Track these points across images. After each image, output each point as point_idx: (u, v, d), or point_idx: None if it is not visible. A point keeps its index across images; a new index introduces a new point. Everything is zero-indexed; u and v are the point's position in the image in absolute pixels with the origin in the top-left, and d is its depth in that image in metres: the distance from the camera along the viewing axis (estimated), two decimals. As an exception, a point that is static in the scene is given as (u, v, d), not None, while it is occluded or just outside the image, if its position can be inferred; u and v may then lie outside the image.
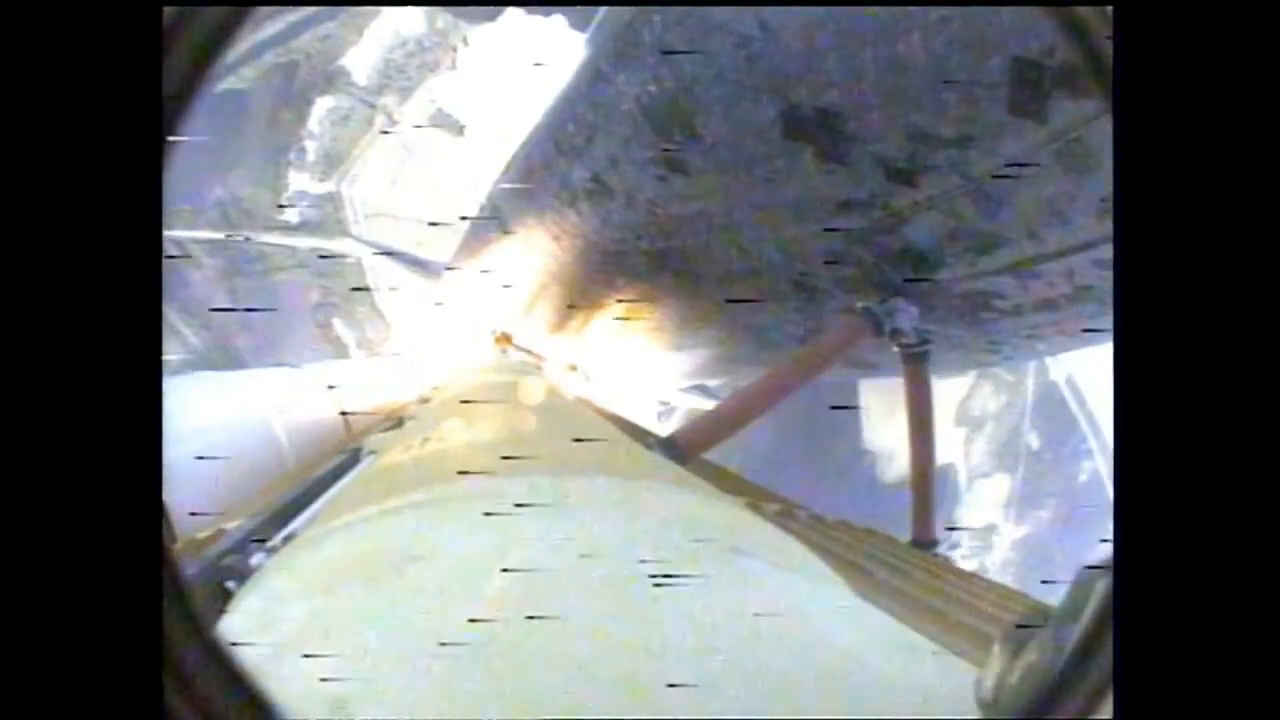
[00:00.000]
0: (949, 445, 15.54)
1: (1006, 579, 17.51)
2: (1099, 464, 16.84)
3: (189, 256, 12.24)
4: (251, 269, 12.80)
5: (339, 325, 12.97)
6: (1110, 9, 0.66)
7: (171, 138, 0.60)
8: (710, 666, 0.82)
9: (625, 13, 4.39)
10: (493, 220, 7.91)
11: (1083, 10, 0.67)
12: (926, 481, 5.23)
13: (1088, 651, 0.62)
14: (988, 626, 1.87)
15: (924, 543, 4.98)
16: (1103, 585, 0.64)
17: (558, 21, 11.95)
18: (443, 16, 12.24)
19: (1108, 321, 4.14)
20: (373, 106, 12.32)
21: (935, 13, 2.98)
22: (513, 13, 12.13)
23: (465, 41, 12.31)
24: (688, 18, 3.83)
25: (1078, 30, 0.68)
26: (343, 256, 12.26)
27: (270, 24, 11.81)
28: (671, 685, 0.77)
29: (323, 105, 12.25)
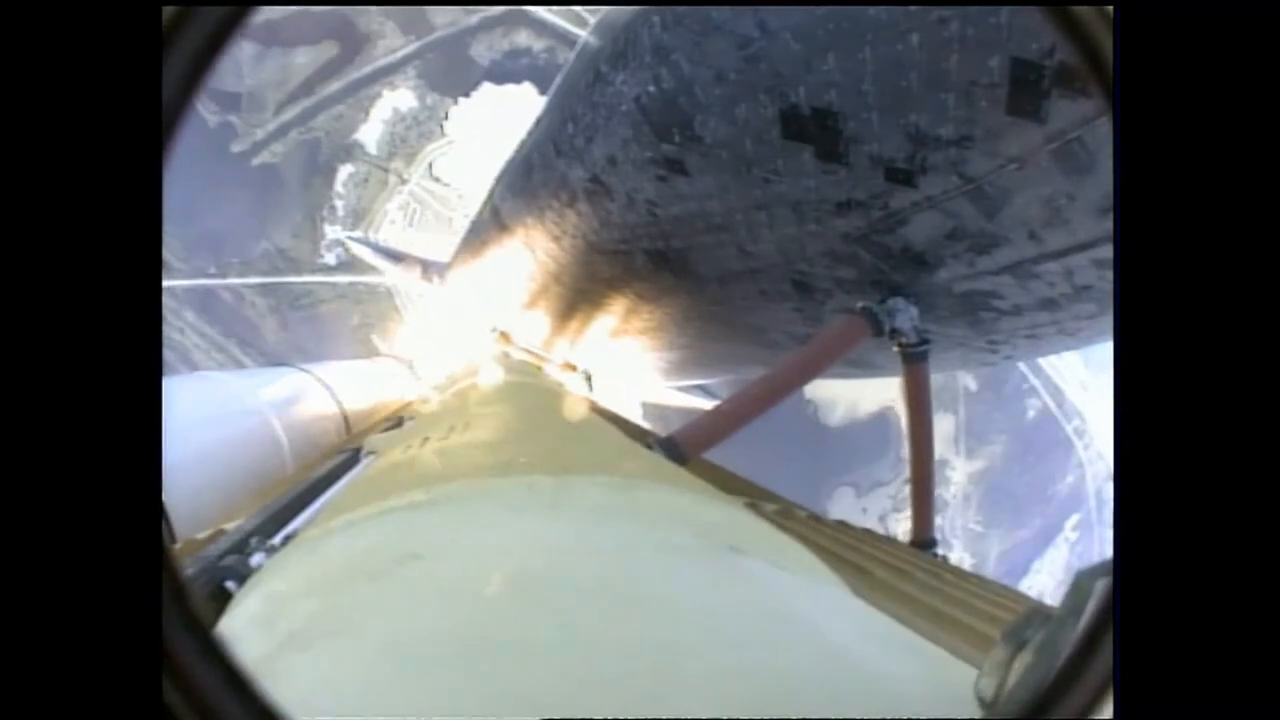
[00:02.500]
0: (884, 389, 16.32)
1: (970, 511, 18.26)
2: (1046, 400, 17.63)
3: (243, 299, 15.06)
4: (299, 304, 15.65)
5: (376, 340, 15.54)
6: (1110, 9, 0.66)
7: (171, 137, 0.60)
8: (710, 666, 0.82)
9: (625, 13, 4.39)
10: (493, 221, 7.92)
11: (1083, 10, 0.67)
12: (926, 482, 5.23)
13: (1088, 651, 0.62)
14: (988, 626, 1.87)
15: (923, 543, 4.98)
16: (1103, 585, 0.64)
17: (526, 89, 14.57)
18: (430, 94, 15.24)
19: (1108, 321, 4.15)
20: (385, 170, 15.42)
21: (935, 13, 2.98)
22: (486, 86, 15.17)
23: (447, 116, 15.40)
24: (688, 18, 3.83)
25: (1078, 30, 0.68)
26: (376, 286, 14.89)
27: (290, 109, 14.73)
28: (672, 685, 0.77)
29: (344, 171, 15.46)
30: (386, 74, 15.22)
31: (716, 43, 3.73)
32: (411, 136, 15.42)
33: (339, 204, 15.35)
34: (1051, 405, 17.81)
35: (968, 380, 17.52)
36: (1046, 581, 17.39)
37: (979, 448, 18.08)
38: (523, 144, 6.65)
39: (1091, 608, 0.64)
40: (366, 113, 15.33)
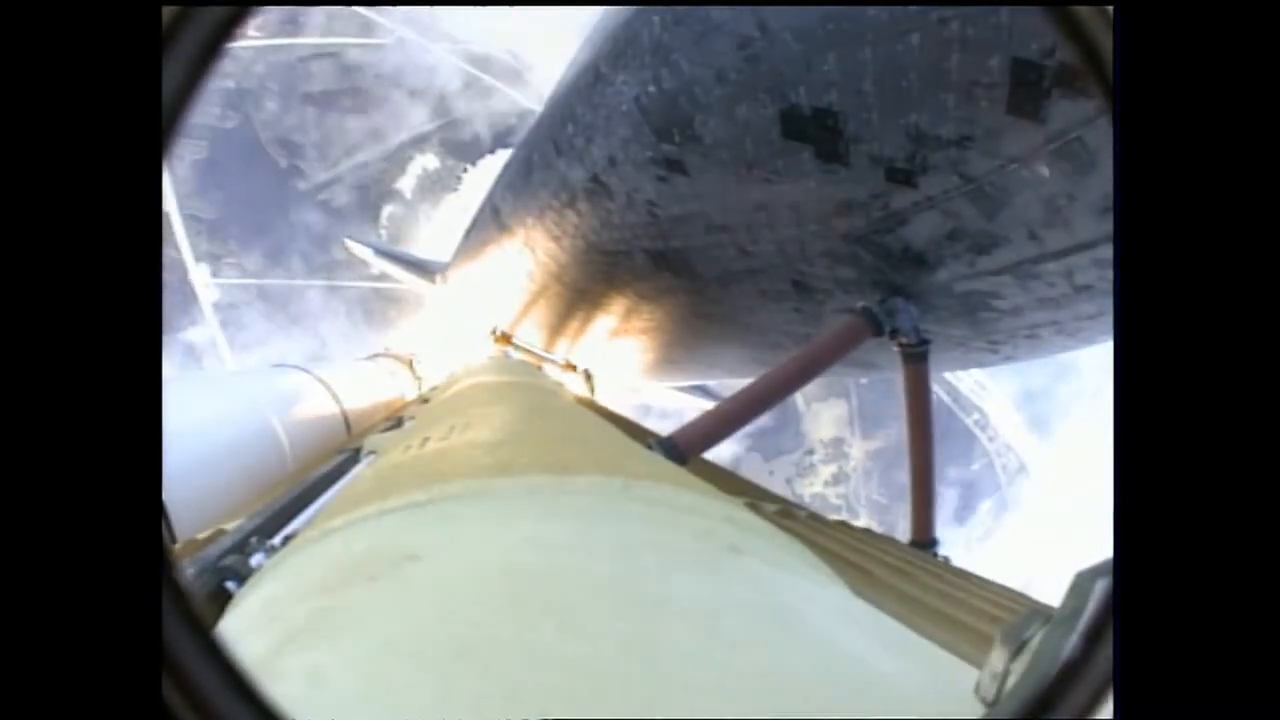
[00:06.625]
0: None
1: (872, 484, 20.93)
2: (940, 395, 19.83)
3: (305, 296, 20.64)
4: (353, 305, 21.07)
5: (381, 339, 19.77)
6: (1110, 9, 0.66)
7: (171, 137, 0.60)
8: (710, 666, 0.82)
9: (625, 13, 4.40)
10: (493, 221, 7.92)
11: (1083, 10, 0.67)
12: (926, 482, 5.23)
13: (1088, 651, 0.62)
14: (988, 626, 1.86)
15: (923, 543, 4.98)
16: (1102, 585, 0.64)
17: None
18: (449, 159, 21.74)
19: (1108, 322, 4.14)
20: (417, 210, 21.71)
21: (935, 12, 2.98)
22: (489, 157, 20.88)
23: (459, 179, 21.61)
24: (688, 18, 3.83)
25: (1078, 30, 0.68)
26: (412, 292, 18.23)
27: (345, 161, 21.00)
28: (671, 685, 0.77)
29: (387, 210, 21.66)
30: (418, 142, 21.41)
31: (716, 43, 3.73)
32: (436, 189, 21.56)
33: (384, 232, 21.33)
34: (946, 399, 20.25)
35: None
36: (964, 557, 18.68)
37: (874, 430, 20.90)
38: (523, 144, 6.65)
39: (1091, 608, 0.64)
40: (403, 169, 21.61)
